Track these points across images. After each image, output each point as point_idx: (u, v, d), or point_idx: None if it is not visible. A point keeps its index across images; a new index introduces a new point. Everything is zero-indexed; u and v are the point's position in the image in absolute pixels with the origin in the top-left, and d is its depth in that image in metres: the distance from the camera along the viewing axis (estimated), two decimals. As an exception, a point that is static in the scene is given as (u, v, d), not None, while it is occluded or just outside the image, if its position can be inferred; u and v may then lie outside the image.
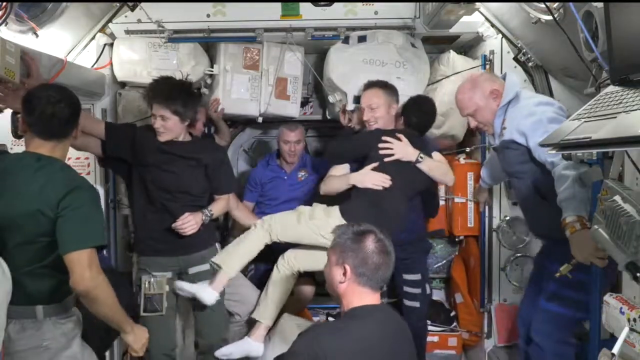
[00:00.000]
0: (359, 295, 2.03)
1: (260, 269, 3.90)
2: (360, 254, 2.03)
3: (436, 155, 3.37)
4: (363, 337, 1.97)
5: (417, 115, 3.40)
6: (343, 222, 2.96)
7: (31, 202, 2.14)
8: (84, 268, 2.09)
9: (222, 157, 3.25)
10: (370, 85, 3.42)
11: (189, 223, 2.99)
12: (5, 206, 2.15)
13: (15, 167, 2.23)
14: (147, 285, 3.07)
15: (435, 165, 3.27)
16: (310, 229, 3.11)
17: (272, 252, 3.33)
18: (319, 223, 3.09)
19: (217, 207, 3.18)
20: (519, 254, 3.67)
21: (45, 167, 2.21)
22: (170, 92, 2.99)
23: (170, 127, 3.01)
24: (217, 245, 3.36)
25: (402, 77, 3.65)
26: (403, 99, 3.65)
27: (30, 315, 2.17)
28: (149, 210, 3.07)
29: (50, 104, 2.22)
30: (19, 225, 2.14)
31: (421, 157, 3.20)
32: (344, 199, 3.23)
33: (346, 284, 2.04)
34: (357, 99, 3.61)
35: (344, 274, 2.04)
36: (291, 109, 3.94)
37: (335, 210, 3.14)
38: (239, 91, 3.81)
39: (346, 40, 3.68)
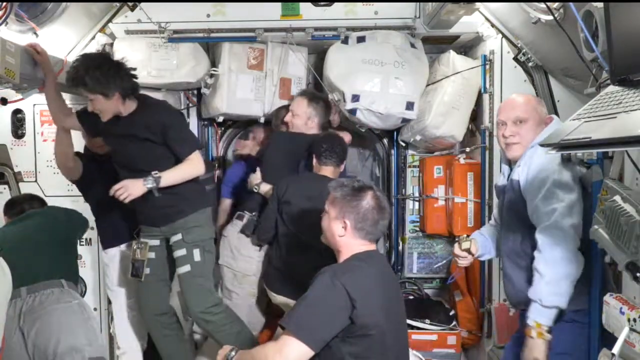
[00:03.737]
0: (358, 246, 2.18)
1: None
2: (360, 210, 2.14)
3: None
4: (372, 275, 2.12)
5: (327, 142, 3.28)
6: (269, 292, 3.22)
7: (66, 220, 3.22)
8: None
9: (165, 121, 2.99)
10: (301, 93, 3.64)
11: (121, 190, 2.88)
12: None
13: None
14: (134, 250, 3.16)
15: None
16: None
17: None
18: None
19: (172, 172, 2.98)
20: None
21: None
22: (77, 73, 2.86)
23: (99, 107, 2.94)
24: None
25: (400, 77, 3.65)
26: (401, 99, 3.66)
27: (58, 285, 2.85)
28: None
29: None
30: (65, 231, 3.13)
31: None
32: None
33: (346, 237, 2.17)
34: (355, 98, 3.62)
35: (344, 228, 2.16)
36: (295, 109, 3.95)
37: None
38: (243, 91, 3.81)
39: (345, 41, 3.68)
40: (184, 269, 3.09)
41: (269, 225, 3.23)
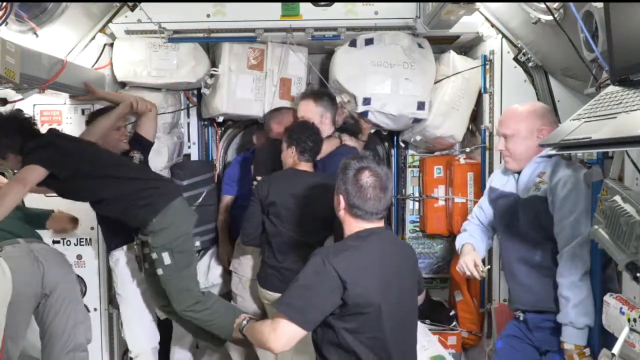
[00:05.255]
0: (356, 223, 2.21)
1: None
2: (353, 186, 2.17)
3: None
4: (370, 254, 2.15)
5: (313, 140, 3.18)
6: (264, 291, 3.17)
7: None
8: None
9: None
10: (303, 96, 3.52)
11: None
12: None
13: None
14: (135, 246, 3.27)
15: None
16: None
17: None
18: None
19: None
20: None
21: None
22: None
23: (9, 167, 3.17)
24: None
25: (410, 78, 3.65)
26: (412, 99, 3.66)
27: (45, 243, 3.31)
28: None
29: None
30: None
31: None
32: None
33: (343, 212, 2.23)
34: (367, 101, 3.62)
35: (338, 204, 2.23)
36: (295, 109, 3.95)
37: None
38: (243, 91, 3.81)
39: (353, 43, 3.67)
40: (159, 271, 3.13)
41: (253, 228, 3.17)
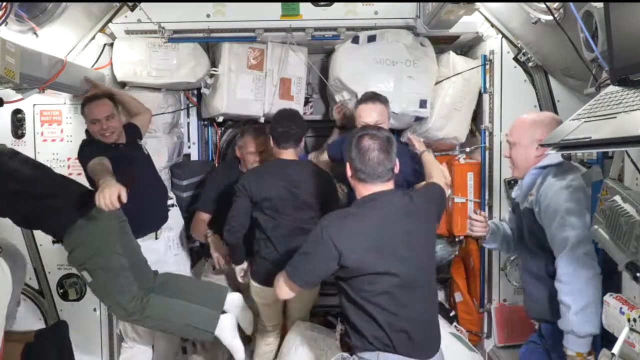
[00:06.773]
0: (364, 187, 2.31)
1: None
2: (355, 151, 2.29)
3: None
4: (366, 220, 2.26)
5: (284, 126, 3.13)
6: (266, 289, 3.17)
7: None
8: None
9: None
10: (372, 98, 3.14)
11: None
12: None
13: None
14: None
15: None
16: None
17: None
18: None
19: None
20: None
21: None
22: None
23: None
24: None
25: (413, 75, 3.64)
26: (415, 97, 3.66)
27: None
28: None
29: None
30: None
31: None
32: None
33: (351, 179, 2.35)
34: None
35: (347, 170, 2.34)
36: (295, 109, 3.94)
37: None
38: (243, 91, 3.81)
39: (355, 40, 3.67)
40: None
41: (241, 224, 3.10)
